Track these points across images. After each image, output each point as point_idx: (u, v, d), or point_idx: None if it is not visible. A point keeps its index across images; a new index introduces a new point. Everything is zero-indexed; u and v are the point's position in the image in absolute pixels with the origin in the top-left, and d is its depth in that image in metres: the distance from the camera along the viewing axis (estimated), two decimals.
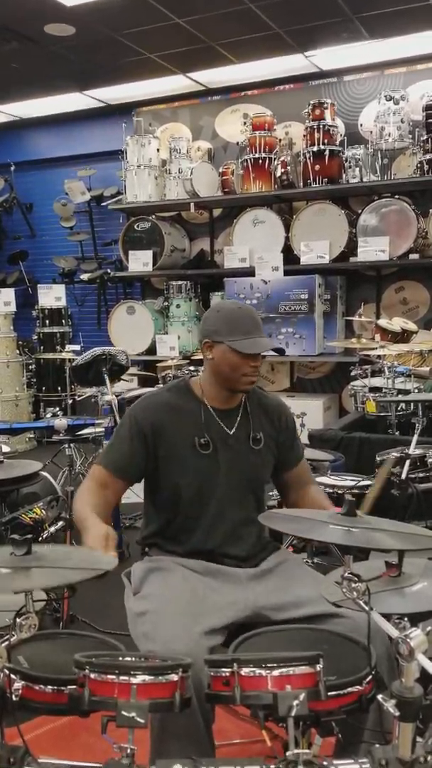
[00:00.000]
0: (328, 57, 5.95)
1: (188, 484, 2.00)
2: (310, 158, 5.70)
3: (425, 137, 5.42)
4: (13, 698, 1.28)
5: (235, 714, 2.10)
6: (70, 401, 6.44)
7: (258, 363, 2.00)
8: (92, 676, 1.26)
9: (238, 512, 2.03)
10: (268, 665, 1.28)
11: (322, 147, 5.64)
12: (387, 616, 1.29)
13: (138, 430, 2.02)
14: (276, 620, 1.83)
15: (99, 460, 2.12)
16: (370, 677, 1.36)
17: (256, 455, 2.08)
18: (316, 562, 3.11)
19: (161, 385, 4.82)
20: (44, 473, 3.29)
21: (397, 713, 1.14)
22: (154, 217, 6.62)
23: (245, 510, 2.05)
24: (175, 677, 1.28)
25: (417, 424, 3.21)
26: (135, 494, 4.49)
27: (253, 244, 6.02)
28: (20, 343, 7.05)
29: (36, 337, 7.21)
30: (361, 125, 6.05)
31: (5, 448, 3.59)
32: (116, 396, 4.24)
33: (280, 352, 2.12)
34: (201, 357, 5.76)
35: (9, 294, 6.77)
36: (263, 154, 5.94)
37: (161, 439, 2.01)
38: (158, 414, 2.03)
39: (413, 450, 3.00)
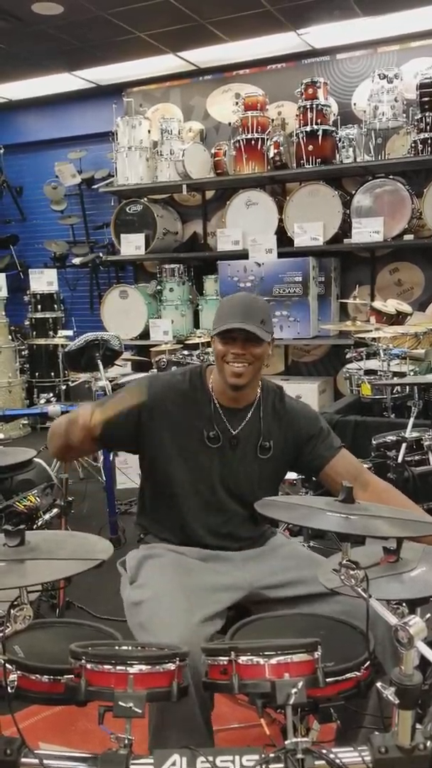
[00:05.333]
0: (320, 35, 5.87)
1: (183, 477, 1.96)
2: (303, 138, 5.64)
3: (419, 116, 5.37)
4: (9, 690, 1.27)
5: (233, 699, 2.11)
6: (63, 387, 6.41)
7: (237, 350, 1.87)
8: (89, 666, 1.25)
9: (231, 510, 1.98)
10: (266, 653, 1.27)
11: (315, 127, 5.58)
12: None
13: (136, 409, 1.94)
14: (273, 598, 1.84)
15: (92, 405, 2.01)
16: (368, 663, 1.35)
17: (261, 464, 2.00)
18: (312, 545, 3.11)
19: (154, 370, 4.79)
20: (38, 460, 3.27)
21: (397, 701, 1.13)
22: (145, 199, 6.56)
23: (241, 509, 1.98)
24: (172, 666, 1.27)
25: (413, 407, 3.19)
26: (130, 480, 4.50)
27: (246, 227, 5.98)
28: (12, 328, 7.00)
29: (28, 322, 7.16)
30: (355, 104, 5.99)
31: None
32: (110, 381, 4.21)
33: (257, 340, 1.89)
34: (195, 342, 5.74)
35: (0, 279, 6.72)
36: (256, 135, 5.88)
37: (160, 425, 1.96)
38: (165, 400, 1.97)
39: (409, 433, 2.99)
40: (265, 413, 2.01)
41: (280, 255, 5.72)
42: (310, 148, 5.63)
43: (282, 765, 1.14)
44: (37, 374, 7.04)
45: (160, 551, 1.94)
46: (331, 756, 1.15)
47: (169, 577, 1.82)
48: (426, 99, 5.33)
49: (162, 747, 1.47)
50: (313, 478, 2.59)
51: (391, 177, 5.54)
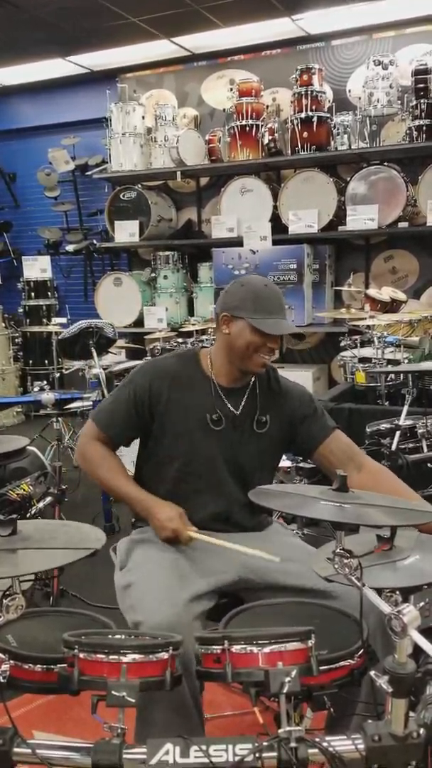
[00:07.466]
0: (315, 20, 5.82)
1: (185, 460, 1.96)
2: (297, 125, 5.60)
3: (414, 103, 5.34)
4: (1, 679, 1.26)
5: (226, 686, 2.11)
6: (57, 375, 6.39)
7: (276, 345, 1.95)
8: (82, 655, 1.25)
9: (231, 494, 1.99)
10: (260, 642, 1.26)
11: (310, 113, 5.55)
12: (379, 591, 1.28)
13: (135, 396, 1.97)
14: (261, 582, 1.83)
15: (92, 415, 2.08)
16: (361, 650, 1.35)
17: (259, 439, 2.00)
18: (305, 533, 3.11)
19: (149, 358, 4.78)
20: (32, 448, 3.25)
21: (390, 689, 1.13)
22: (140, 186, 6.52)
23: (239, 492, 1.98)
24: (165, 655, 1.27)
25: (407, 395, 3.19)
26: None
27: (240, 214, 5.95)
28: (6, 316, 6.98)
29: (22, 309, 7.13)
30: (350, 91, 5.95)
31: None
32: (104, 369, 4.20)
33: (300, 337, 2.06)
34: (190, 329, 5.73)
35: None
36: (250, 121, 5.84)
37: (161, 408, 1.96)
38: (162, 382, 1.97)
39: (403, 421, 2.99)
40: (261, 390, 2.04)
41: (275, 242, 5.69)
42: (305, 134, 5.59)
43: (275, 753, 1.14)
44: (30, 362, 7.03)
45: (151, 536, 1.94)
46: (324, 744, 1.15)
47: (157, 558, 1.83)
48: (421, 86, 5.30)
49: (149, 732, 1.48)
50: (308, 461, 2.59)
51: (386, 164, 5.51)
